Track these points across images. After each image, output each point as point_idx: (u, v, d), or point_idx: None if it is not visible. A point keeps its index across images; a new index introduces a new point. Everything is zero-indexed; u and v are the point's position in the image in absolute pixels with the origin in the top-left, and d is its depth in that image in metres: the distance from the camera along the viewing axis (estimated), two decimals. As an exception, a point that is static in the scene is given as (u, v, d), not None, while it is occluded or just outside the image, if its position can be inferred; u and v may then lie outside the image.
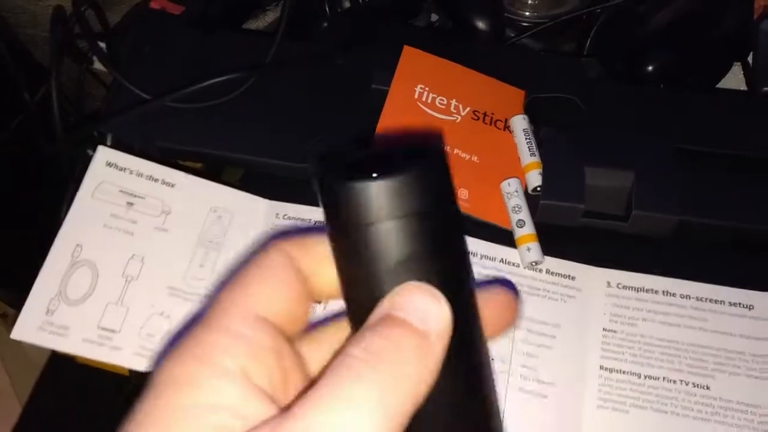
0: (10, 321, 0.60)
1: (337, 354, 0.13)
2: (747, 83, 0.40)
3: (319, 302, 0.16)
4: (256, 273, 0.15)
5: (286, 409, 0.13)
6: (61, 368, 0.50)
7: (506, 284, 0.15)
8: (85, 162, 0.35)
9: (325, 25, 0.43)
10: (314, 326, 0.17)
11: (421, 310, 0.14)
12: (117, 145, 0.34)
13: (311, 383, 0.13)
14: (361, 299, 0.15)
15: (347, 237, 0.15)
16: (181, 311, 0.30)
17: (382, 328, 0.13)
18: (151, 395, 0.13)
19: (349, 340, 0.14)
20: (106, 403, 0.47)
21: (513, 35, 0.43)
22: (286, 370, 0.15)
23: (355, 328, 0.15)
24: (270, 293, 0.15)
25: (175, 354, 0.14)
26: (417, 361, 0.13)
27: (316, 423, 0.12)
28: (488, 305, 0.16)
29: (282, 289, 0.15)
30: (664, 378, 0.29)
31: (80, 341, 0.29)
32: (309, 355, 0.16)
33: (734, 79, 0.41)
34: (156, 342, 0.29)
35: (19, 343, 0.64)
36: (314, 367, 0.16)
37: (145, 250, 0.31)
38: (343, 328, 0.17)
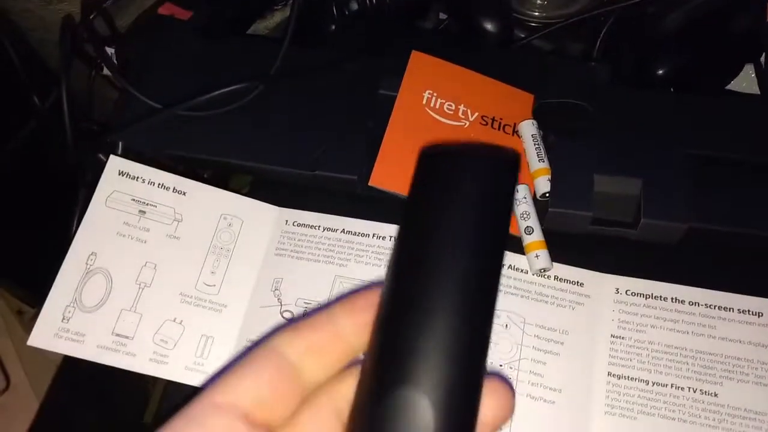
0: (26, 318, 0.61)
1: None
2: (759, 85, 0.39)
3: (318, 381, 0.18)
4: (237, 366, 0.17)
5: None
6: (78, 363, 0.51)
7: (502, 379, 0.16)
8: (96, 167, 0.35)
9: (333, 28, 0.42)
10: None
11: None
12: (127, 153, 0.34)
13: None
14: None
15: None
16: (193, 317, 0.31)
17: None
18: None
19: None
20: (123, 398, 0.48)
21: (522, 36, 0.42)
22: None
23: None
24: (240, 383, 0.16)
25: None
26: None
27: None
28: (484, 401, 0.16)
29: (254, 379, 0.16)
30: (672, 385, 0.29)
31: (95, 348, 0.29)
32: None
33: (746, 80, 0.40)
34: (169, 348, 0.30)
35: (34, 341, 0.64)
36: None
37: (157, 257, 0.31)
38: (323, 417, 0.17)
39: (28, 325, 0.62)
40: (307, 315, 0.18)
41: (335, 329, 0.17)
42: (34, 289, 0.56)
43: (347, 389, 0.17)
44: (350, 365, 0.18)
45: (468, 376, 0.16)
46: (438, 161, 0.18)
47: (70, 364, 0.52)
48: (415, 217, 0.17)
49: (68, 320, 0.29)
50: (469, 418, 0.16)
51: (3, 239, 0.49)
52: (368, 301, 0.17)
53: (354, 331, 0.17)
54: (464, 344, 0.16)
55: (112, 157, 0.32)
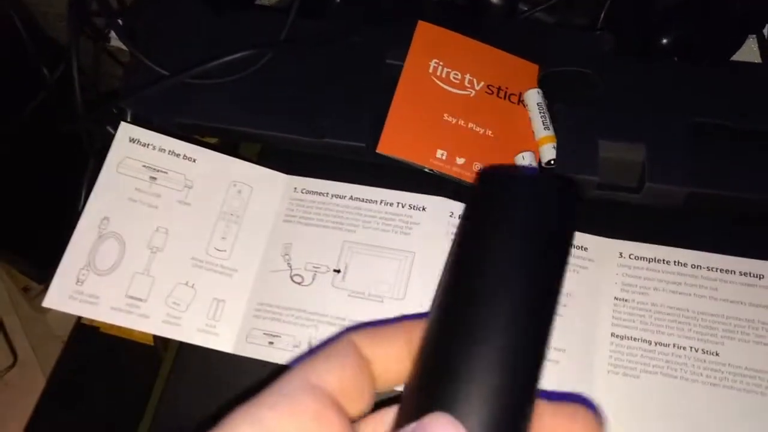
0: (33, 295, 0.62)
1: None
2: (762, 56, 0.40)
3: (381, 389, 0.18)
4: (323, 352, 0.17)
5: None
6: (85, 339, 0.52)
7: (588, 403, 0.16)
8: (104, 139, 0.36)
9: (338, 0, 0.43)
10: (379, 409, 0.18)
11: None
12: (136, 122, 0.34)
13: None
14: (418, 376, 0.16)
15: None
16: (204, 281, 0.31)
17: None
18: None
19: None
20: (129, 372, 0.49)
21: (526, 9, 0.42)
22: None
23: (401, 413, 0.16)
24: (328, 368, 0.17)
25: (241, 407, 0.16)
26: None
27: None
28: (566, 427, 0.17)
29: (340, 367, 0.17)
30: (674, 345, 0.30)
31: (110, 309, 0.30)
32: None
33: (749, 52, 0.41)
34: (182, 310, 0.30)
35: (42, 316, 0.65)
36: None
37: (169, 222, 0.32)
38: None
39: (35, 302, 0.63)
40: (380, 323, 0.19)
41: (408, 344, 0.18)
42: (41, 265, 0.56)
43: None
44: None
45: (504, 411, 0.15)
46: (498, 188, 0.18)
47: (77, 340, 0.53)
48: (471, 246, 0.17)
49: (82, 283, 0.30)
50: None
51: (10, 215, 0.50)
52: None
53: None
54: (507, 384, 0.16)
55: (122, 123, 0.33)
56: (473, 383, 0.15)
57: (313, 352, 0.18)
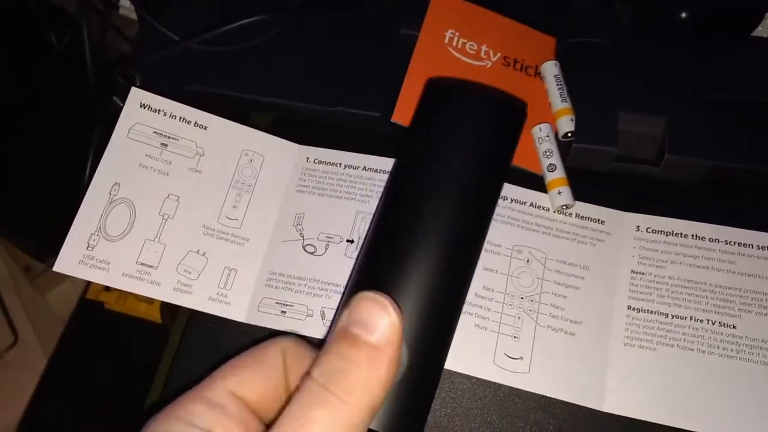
0: (34, 275, 0.61)
1: (305, 374, 0.16)
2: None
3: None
4: (248, 359, 0.19)
5: None
6: (89, 316, 0.51)
7: None
8: (111, 109, 0.35)
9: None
10: None
11: (371, 322, 0.16)
12: (145, 89, 0.34)
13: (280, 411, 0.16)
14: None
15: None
16: (216, 249, 0.31)
17: (338, 344, 0.16)
18: None
19: (317, 357, 0.17)
20: (133, 349, 0.49)
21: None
22: None
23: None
24: (250, 379, 0.19)
25: (162, 413, 0.17)
26: (369, 372, 0.16)
27: None
28: None
29: (261, 379, 0.19)
30: (691, 318, 0.29)
31: (120, 276, 0.29)
32: None
33: (764, 33, 0.40)
34: (193, 278, 0.30)
35: (43, 297, 0.65)
36: None
37: (180, 190, 0.31)
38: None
39: (36, 281, 0.62)
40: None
41: None
42: (43, 243, 0.56)
43: None
44: None
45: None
46: (447, 95, 0.19)
47: (80, 320, 0.53)
48: (416, 150, 0.18)
49: (93, 248, 0.29)
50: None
51: (11, 191, 0.49)
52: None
53: None
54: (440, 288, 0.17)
55: (133, 89, 0.32)
56: (397, 272, 0.17)
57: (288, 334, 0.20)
